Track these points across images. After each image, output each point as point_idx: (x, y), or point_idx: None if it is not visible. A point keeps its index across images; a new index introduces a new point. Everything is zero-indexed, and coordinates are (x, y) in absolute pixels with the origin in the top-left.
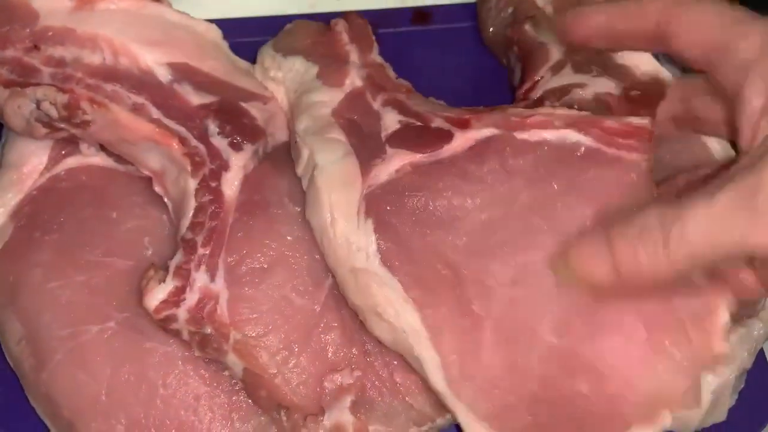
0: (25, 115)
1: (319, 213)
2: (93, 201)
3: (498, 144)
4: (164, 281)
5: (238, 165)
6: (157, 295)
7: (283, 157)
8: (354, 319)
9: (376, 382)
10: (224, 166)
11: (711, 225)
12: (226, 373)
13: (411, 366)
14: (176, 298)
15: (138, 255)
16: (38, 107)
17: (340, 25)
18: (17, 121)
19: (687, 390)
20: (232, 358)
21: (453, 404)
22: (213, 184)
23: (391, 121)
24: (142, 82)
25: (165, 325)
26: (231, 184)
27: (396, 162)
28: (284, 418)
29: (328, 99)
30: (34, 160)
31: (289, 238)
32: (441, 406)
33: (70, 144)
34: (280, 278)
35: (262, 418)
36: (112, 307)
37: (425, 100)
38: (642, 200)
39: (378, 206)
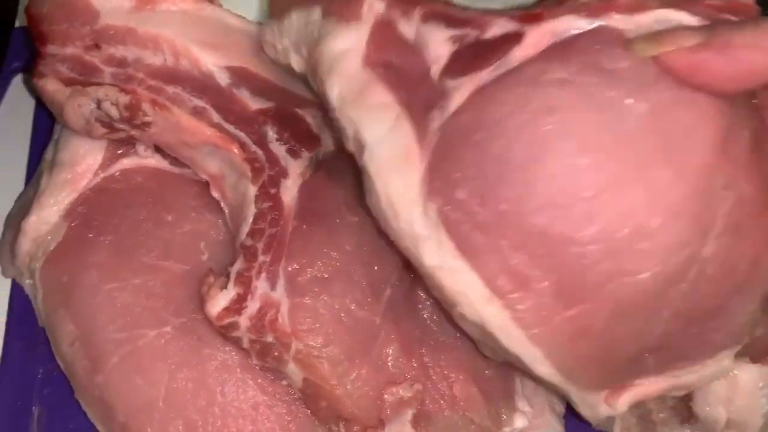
0: (85, 115)
1: (377, 205)
2: (148, 203)
3: (585, 40)
4: (225, 288)
5: (296, 172)
6: (220, 302)
7: (336, 166)
8: (412, 332)
9: (435, 396)
10: (283, 173)
11: None
12: (284, 382)
13: (470, 380)
14: (238, 305)
15: (194, 259)
16: (99, 107)
17: None
18: (77, 120)
19: None
20: (292, 368)
21: (567, 389)
22: (272, 191)
23: (440, 42)
24: (202, 86)
25: (226, 332)
26: (290, 192)
27: (459, 97)
28: (343, 431)
29: (352, 43)
30: (88, 160)
31: (347, 248)
32: (501, 419)
33: (125, 144)
34: (340, 289)
35: (320, 430)
36: (169, 311)
37: (471, 8)
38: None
39: (438, 181)
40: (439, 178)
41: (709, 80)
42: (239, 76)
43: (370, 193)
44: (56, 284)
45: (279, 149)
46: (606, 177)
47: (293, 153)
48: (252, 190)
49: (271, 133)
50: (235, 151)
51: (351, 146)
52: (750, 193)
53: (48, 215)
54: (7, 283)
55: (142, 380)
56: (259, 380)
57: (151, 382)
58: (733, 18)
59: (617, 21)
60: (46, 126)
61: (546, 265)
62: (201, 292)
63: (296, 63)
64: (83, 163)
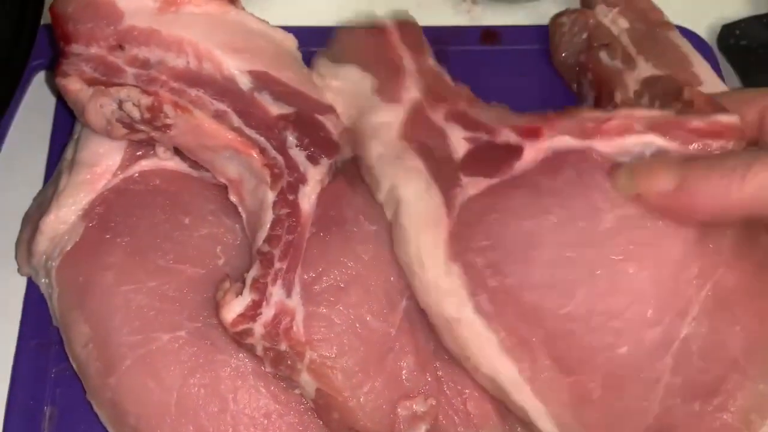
0: (107, 115)
1: (406, 254)
2: (166, 205)
3: (573, 158)
4: (241, 294)
5: (315, 179)
6: (235, 308)
7: (355, 173)
8: (427, 345)
9: (449, 412)
10: (301, 179)
11: None
12: (297, 391)
13: (484, 396)
14: (253, 312)
15: (210, 263)
16: (120, 108)
17: (391, 30)
18: (98, 120)
19: None
20: (305, 378)
21: None
22: (291, 197)
23: (457, 139)
24: (224, 89)
25: (240, 339)
26: (308, 198)
27: (471, 190)
28: None
29: (392, 119)
30: (107, 161)
31: (364, 257)
32: None
33: (145, 146)
34: (356, 298)
35: None
36: (184, 315)
37: (488, 107)
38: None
39: (462, 245)
40: (461, 245)
41: (678, 217)
42: (261, 80)
43: (401, 243)
44: (72, 284)
45: (299, 155)
46: (580, 268)
47: (313, 159)
48: (270, 196)
49: (291, 139)
50: (255, 156)
51: (382, 198)
52: (734, 281)
53: (66, 215)
54: (23, 281)
55: (154, 384)
56: (272, 388)
57: (163, 386)
58: (713, 143)
59: (603, 145)
60: (67, 124)
61: (542, 335)
62: (216, 298)
63: (341, 107)
64: (102, 163)
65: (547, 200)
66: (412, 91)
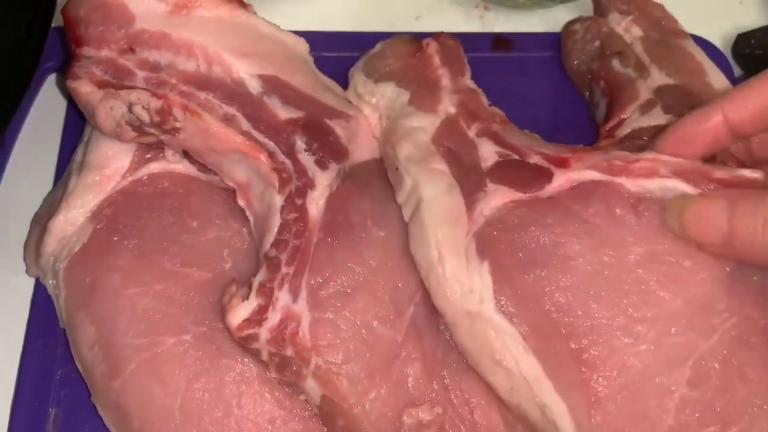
0: (116, 118)
1: (425, 249)
2: (174, 208)
3: (602, 190)
4: (247, 298)
5: (323, 184)
6: (240, 312)
7: (364, 178)
8: (434, 352)
9: (456, 420)
10: (310, 184)
11: None
12: (302, 397)
13: (491, 405)
14: (259, 317)
15: (216, 267)
16: (130, 110)
17: (432, 47)
18: (107, 122)
19: None
20: (310, 384)
21: None
22: (298, 202)
23: (488, 152)
24: (233, 93)
25: (245, 344)
26: (316, 203)
27: (498, 198)
28: None
29: (426, 125)
30: (116, 163)
31: (372, 263)
32: None
33: (154, 149)
34: (363, 304)
35: None
36: (189, 319)
37: (520, 132)
38: None
39: (491, 247)
40: (491, 246)
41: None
42: (270, 84)
43: (419, 238)
44: (79, 286)
45: (307, 160)
46: (610, 281)
47: (321, 164)
48: (278, 200)
49: (300, 143)
50: (263, 159)
51: (403, 197)
52: (761, 321)
53: (74, 216)
54: (31, 282)
55: (159, 388)
56: (277, 394)
57: (168, 390)
58: None
59: (629, 183)
60: (77, 126)
61: (565, 333)
62: (222, 302)
63: (376, 121)
64: (111, 165)
65: (579, 226)
66: (447, 107)
